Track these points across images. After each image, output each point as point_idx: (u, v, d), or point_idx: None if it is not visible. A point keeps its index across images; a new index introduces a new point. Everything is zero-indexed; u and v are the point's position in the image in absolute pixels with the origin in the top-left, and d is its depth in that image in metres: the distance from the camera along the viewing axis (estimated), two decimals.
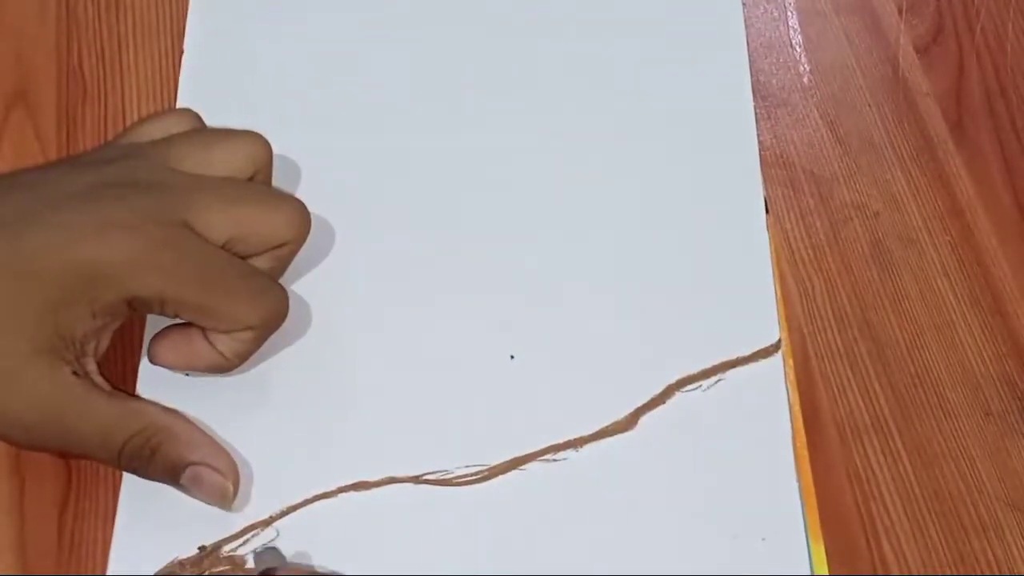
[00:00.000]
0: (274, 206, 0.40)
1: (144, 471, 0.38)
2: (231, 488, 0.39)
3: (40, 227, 0.36)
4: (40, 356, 0.36)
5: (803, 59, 0.52)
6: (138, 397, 0.40)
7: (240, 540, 0.39)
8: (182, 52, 0.49)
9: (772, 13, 0.53)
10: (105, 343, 0.38)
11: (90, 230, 0.36)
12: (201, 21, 0.50)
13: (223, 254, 0.38)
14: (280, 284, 0.40)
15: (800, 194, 0.48)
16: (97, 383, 0.38)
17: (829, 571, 0.40)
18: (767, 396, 0.43)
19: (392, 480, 0.40)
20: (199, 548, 0.39)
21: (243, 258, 0.39)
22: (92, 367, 0.38)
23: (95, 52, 0.49)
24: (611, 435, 0.42)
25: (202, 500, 0.39)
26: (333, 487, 0.40)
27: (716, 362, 0.43)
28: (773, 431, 0.42)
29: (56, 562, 0.39)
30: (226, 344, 0.39)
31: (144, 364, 0.42)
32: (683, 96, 0.50)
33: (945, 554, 0.41)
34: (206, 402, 0.41)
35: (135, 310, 0.38)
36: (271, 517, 0.39)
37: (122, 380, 0.41)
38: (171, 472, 0.38)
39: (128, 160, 0.39)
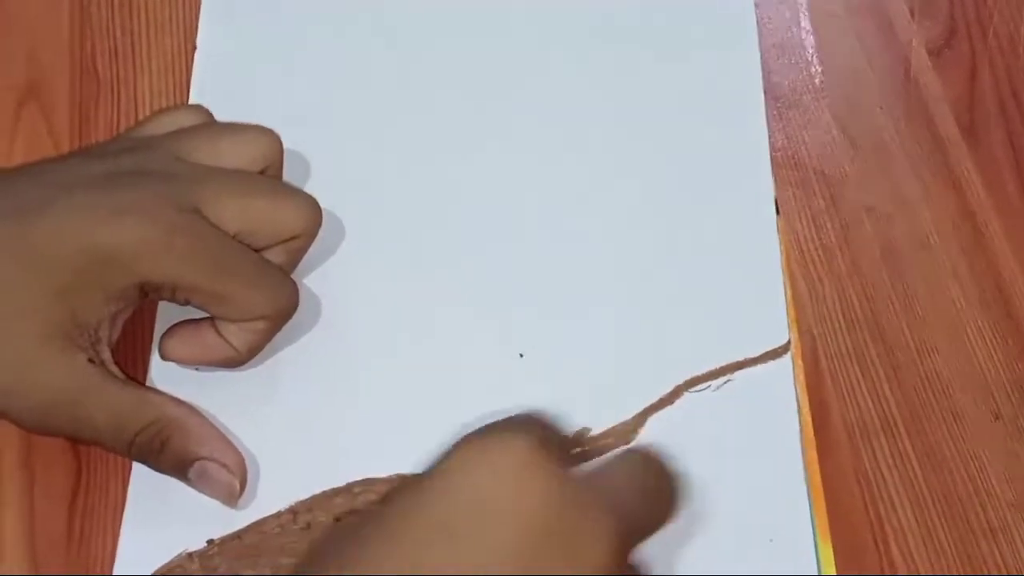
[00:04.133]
0: (285, 199, 0.40)
1: (153, 463, 0.38)
2: (237, 485, 0.39)
3: (54, 213, 0.36)
4: (56, 341, 0.36)
5: (815, 61, 0.52)
6: (152, 388, 0.40)
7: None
8: (194, 48, 0.49)
9: (785, 15, 0.53)
10: (117, 332, 0.38)
11: (104, 214, 0.36)
12: (213, 18, 0.50)
13: (235, 243, 0.38)
14: (291, 277, 0.41)
15: (811, 195, 0.48)
16: (112, 372, 0.38)
17: (837, 572, 0.40)
18: (776, 397, 0.43)
19: (401, 477, 0.40)
20: (207, 541, 0.39)
21: (255, 251, 0.39)
22: (107, 355, 0.38)
23: (108, 48, 0.50)
24: (619, 434, 0.42)
25: (209, 496, 0.39)
26: (341, 484, 0.40)
27: (725, 362, 0.43)
28: (782, 432, 0.42)
29: (65, 555, 0.39)
30: (237, 336, 0.40)
31: (155, 361, 0.42)
32: (695, 97, 0.49)
33: (953, 556, 0.41)
34: (215, 397, 0.41)
35: (147, 295, 0.38)
36: (279, 513, 0.39)
37: (133, 377, 0.41)
38: (179, 466, 0.38)
39: (139, 151, 0.39)
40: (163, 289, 0.38)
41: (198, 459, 0.38)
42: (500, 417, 0.34)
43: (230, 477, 0.39)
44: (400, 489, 0.31)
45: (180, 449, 0.38)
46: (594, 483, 0.31)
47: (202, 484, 0.38)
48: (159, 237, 0.37)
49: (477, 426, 0.31)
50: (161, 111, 0.42)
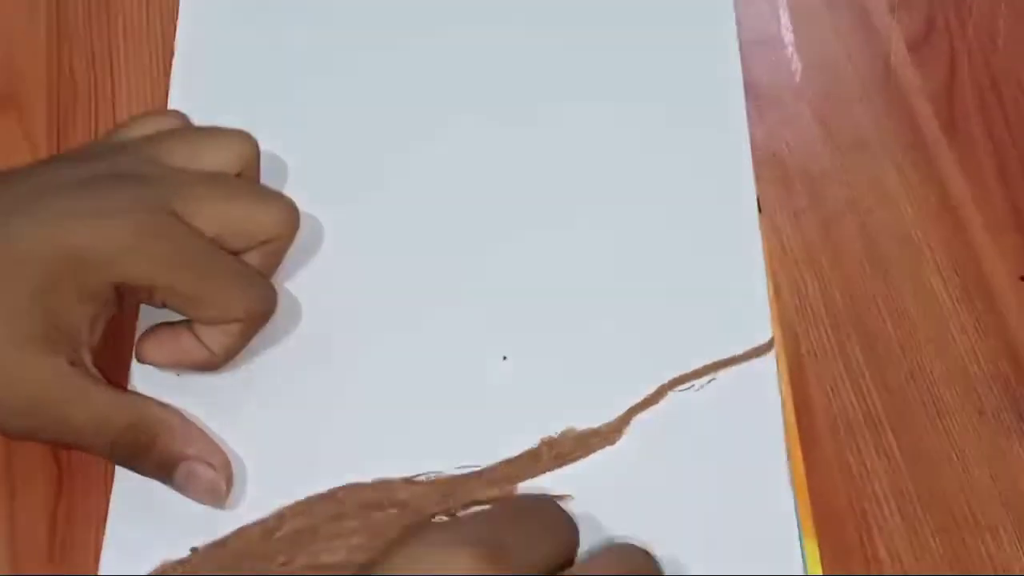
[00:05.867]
0: (262, 201, 0.40)
1: (138, 464, 0.38)
2: (224, 486, 0.39)
3: (29, 216, 0.36)
4: (35, 343, 0.36)
5: (795, 57, 0.52)
6: (134, 392, 0.40)
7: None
8: (172, 54, 0.49)
9: (764, 10, 0.53)
10: (97, 336, 0.38)
11: (81, 218, 0.36)
12: (191, 24, 0.50)
13: (212, 245, 0.38)
14: (268, 280, 0.40)
15: (792, 192, 0.48)
16: (93, 374, 0.38)
17: (822, 570, 0.40)
18: (760, 395, 0.43)
19: (384, 481, 0.40)
20: (191, 550, 0.39)
21: (233, 254, 0.39)
22: (88, 359, 0.38)
23: (86, 55, 0.49)
24: (604, 435, 0.42)
25: (194, 498, 0.39)
26: (325, 489, 0.40)
27: (709, 361, 0.43)
28: (766, 430, 0.42)
29: (47, 565, 0.39)
30: (213, 339, 0.39)
31: (136, 367, 0.41)
32: (674, 94, 0.49)
33: (939, 553, 0.41)
34: (197, 403, 0.41)
35: (123, 297, 0.38)
36: (263, 520, 0.39)
37: (115, 382, 0.41)
38: (165, 466, 0.38)
39: (116, 155, 0.39)
40: (140, 291, 0.38)
41: (185, 459, 0.38)
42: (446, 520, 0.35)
43: (216, 477, 0.39)
44: None
45: (167, 449, 0.38)
46: None
47: (188, 485, 0.38)
48: (134, 240, 0.37)
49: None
50: (137, 116, 0.42)
